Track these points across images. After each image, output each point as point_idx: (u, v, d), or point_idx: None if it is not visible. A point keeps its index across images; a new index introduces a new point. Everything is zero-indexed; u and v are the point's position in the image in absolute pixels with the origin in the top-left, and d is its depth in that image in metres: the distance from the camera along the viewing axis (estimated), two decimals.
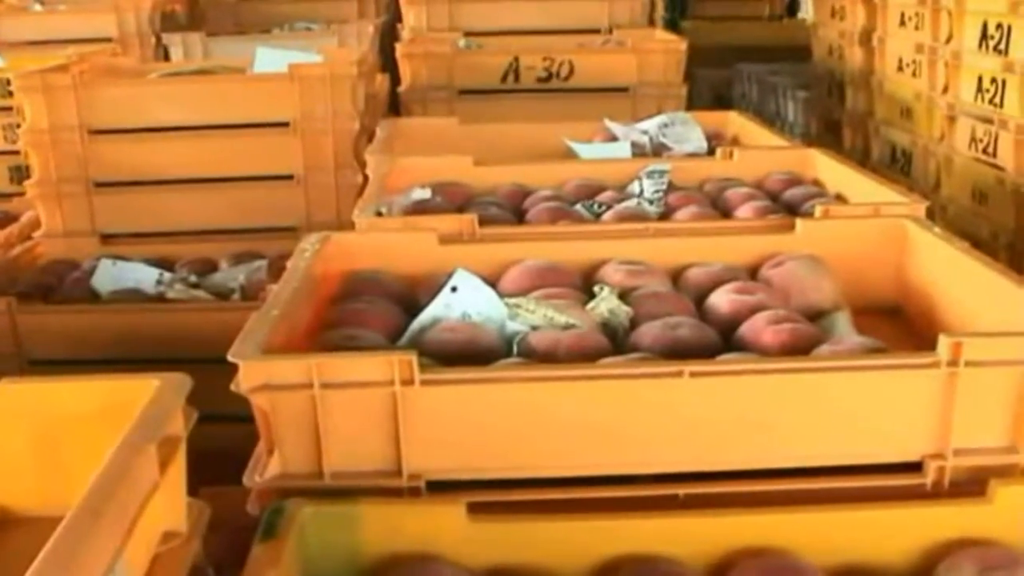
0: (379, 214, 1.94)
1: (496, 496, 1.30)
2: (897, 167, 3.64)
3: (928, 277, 1.77)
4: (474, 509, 1.26)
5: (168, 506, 1.20)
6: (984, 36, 3.00)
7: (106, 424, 1.19)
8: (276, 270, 2.08)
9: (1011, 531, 1.29)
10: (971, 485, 1.33)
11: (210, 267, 2.74)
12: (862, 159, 3.82)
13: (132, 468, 1.08)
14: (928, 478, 1.35)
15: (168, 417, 1.21)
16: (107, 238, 2.93)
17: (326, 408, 1.29)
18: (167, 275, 2.61)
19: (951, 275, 1.71)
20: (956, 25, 3.17)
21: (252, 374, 1.29)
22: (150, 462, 1.13)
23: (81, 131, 2.83)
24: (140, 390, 1.24)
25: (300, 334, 1.52)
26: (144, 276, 2.59)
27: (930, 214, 1.93)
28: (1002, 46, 2.91)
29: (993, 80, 2.95)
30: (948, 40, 3.24)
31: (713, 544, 1.27)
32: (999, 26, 2.92)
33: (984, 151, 3.03)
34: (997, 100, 2.94)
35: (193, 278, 2.62)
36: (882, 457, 1.36)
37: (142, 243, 2.90)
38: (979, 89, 3.04)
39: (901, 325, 1.81)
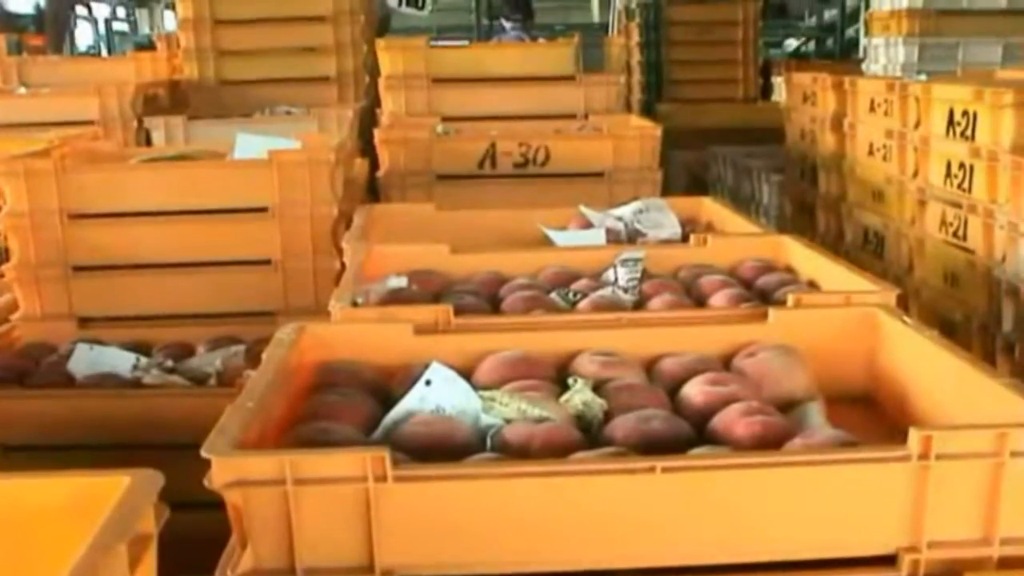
0: (355, 303, 1.95)
1: None
2: (870, 249, 3.68)
3: (899, 366, 1.79)
4: None
5: None
6: (951, 122, 3.05)
7: (77, 521, 1.18)
8: (254, 355, 2.09)
9: None
10: None
11: (187, 352, 2.74)
12: (836, 241, 3.87)
13: (102, 567, 1.08)
14: (903, 571, 1.35)
15: (139, 515, 1.20)
16: (85, 321, 2.93)
17: (299, 504, 1.29)
18: (143, 360, 2.61)
19: (921, 364, 1.72)
20: (924, 111, 3.23)
21: (225, 470, 1.29)
22: (120, 562, 1.12)
23: (61, 215, 2.85)
24: (111, 486, 1.23)
25: (274, 427, 1.52)
26: (120, 361, 2.59)
27: (903, 297, 1.95)
28: (968, 132, 2.96)
29: (961, 165, 3.00)
30: (917, 126, 3.30)
31: None
32: (965, 113, 2.98)
33: (954, 234, 3.07)
34: (965, 184, 2.99)
35: (170, 363, 2.61)
36: (856, 550, 1.36)
37: (120, 326, 2.90)
38: (948, 174, 3.09)
39: (873, 414, 1.82)
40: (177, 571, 1.40)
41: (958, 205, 3.03)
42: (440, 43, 4.33)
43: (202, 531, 1.40)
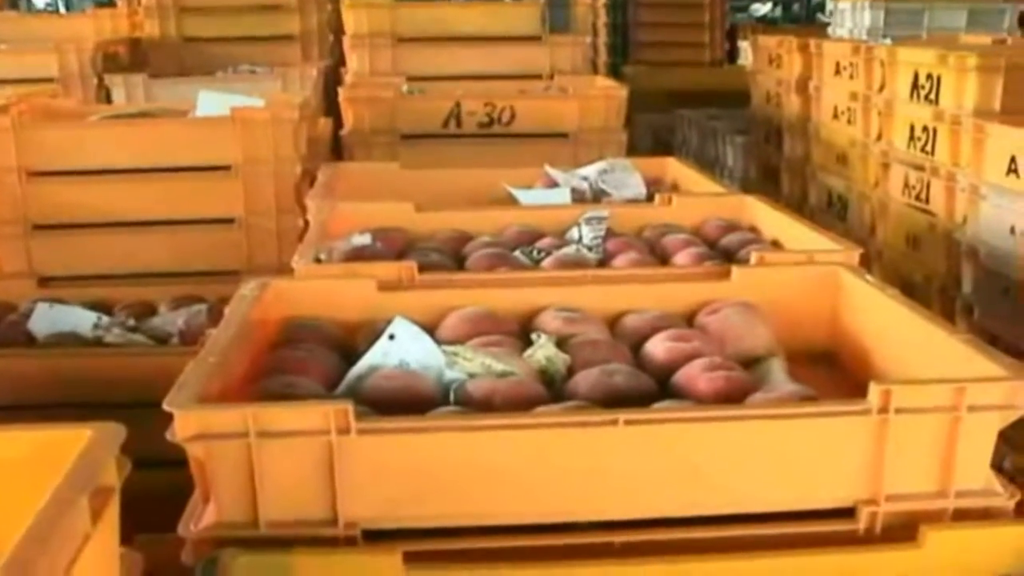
0: (319, 260, 1.94)
1: (432, 545, 1.30)
2: (833, 212, 3.70)
3: (860, 324, 1.80)
4: (410, 558, 1.26)
5: (100, 558, 1.18)
6: (915, 86, 3.07)
7: (38, 474, 1.17)
8: (216, 314, 2.07)
9: (941, 575, 1.31)
10: (902, 530, 1.36)
11: (149, 311, 2.71)
12: (799, 204, 3.89)
13: (63, 520, 1.07)
14: (860, 524, 1.37)
15: (101, 468, 1.19)
16: (45, 281, 2.90)
17: (262, 457, 1.29)
18: (105, 319, 2.57)
19: (882, 322, 1.74)
20: (889, 75, 3.25)
21: (187, 423, 1.28)
22: (82, 514, 1.11)
23: (20, 173, 2.81)
24: (73, 440, 1.22)
25: (237, 382, 1.51)
26: (81, 320, 2.55)
27: (866, 259, 1.96)
28: (932, 96, 2.98)
29: (924, 128, 3.02)
30: (881, 89, 3.31)
31: None
32: (929, 76, 2.99)
33: (916, 197, 3.09)
34: (928, 148, 3.00)
35: (131, 322, 2.58)
36: (815, 503, 1.38)
37: (81, 286, 2.87)
38: (911, 137, 3.10)
39: (834, 371, 1.83)
40: (142, 530, 1.40)
41: (921, 168, 3.05)
42: (406, 1, 4.28)
43: (167, 489, 1.39)
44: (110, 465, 1.22)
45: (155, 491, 1.40)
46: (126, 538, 1.27)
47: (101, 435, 1.24)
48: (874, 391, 1.34)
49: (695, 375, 1.52)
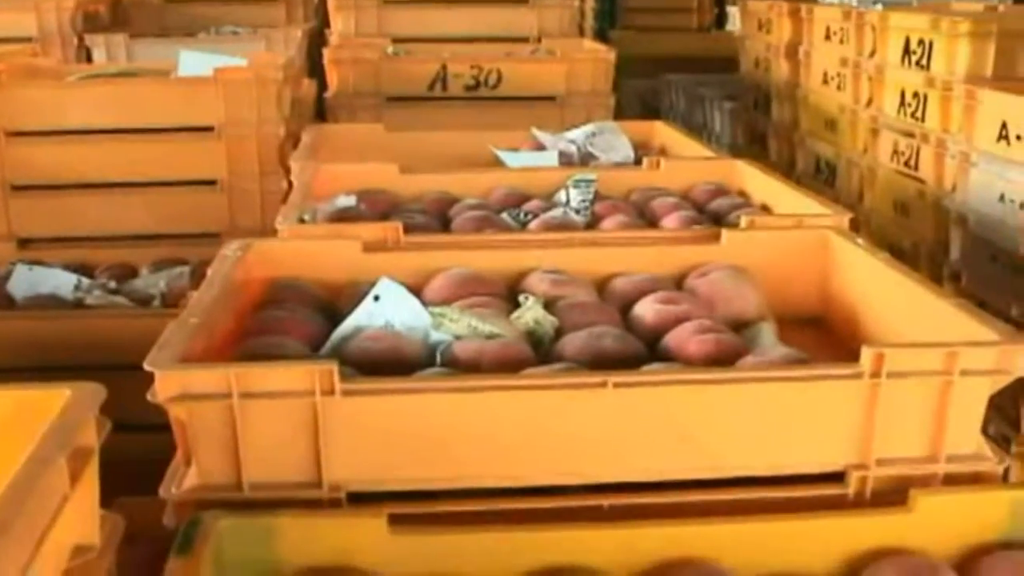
0: (302, 221, 1.92)
1: (418, 508, 1.29)
2: (821, 178, 3.68)
3: (850, 288, 1.79)
4: (395, 521, 1.24)
5: (79, 519, 1.16)
6: (906, 51, 3.04)
7: (16, 434, 1.15)
8: (198, 277, 2.05)
9: (931, 540, 1.31)
10: (892, 495, 1.35)
11: (130, 273, 2.69)
12: (787, 170, 3.86)
13: (41, 481, 1.05)
14: (850, 488, 1.36)
15: (80, 428, 1.17)
16: (24, 242, 2.86)
17: (245, 418, 1.27)
18: (85, 281, 2.55)
19: (873, 286, 1.72)
20: (880, 40, 3.22)
21: (169, 384, 1.26)
22: (60, 474, 1.09)
23: None
24: (51, 400, 1.20)
25: (219, 343, 1.49)
26: (62, 282, 2.53)
27: (854, 225, 1.95)
28: (923, 61, 2.95)
29: (915, 94, 3.00)
30: (872, 54, 3.29)
31: (637, 555, 1.26)
32: (920, 42, 2.97)
33: (906, 164, 3.07)
34: (918, 114, 2.98)
35: (112, 284, 2.56)
36: (805, 467, 1.37)
37: (61, 248, 2.83)
38: (901, 103, 3.08)
39: (824, 335, 1.82)
40: (124, 493, 1.38)
41: (911, 135, 3.03)
42: None
43: (150, 453, 1.38)
44: (89, 425, 1.20)
45: (138, 455, 1.39)
46: (110, 502, 1.25)
47: (80, 395, 1.22)
48: (866, 354, 1.32)
49: (685, 338, 1.51)
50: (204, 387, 1.26)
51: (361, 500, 1.30)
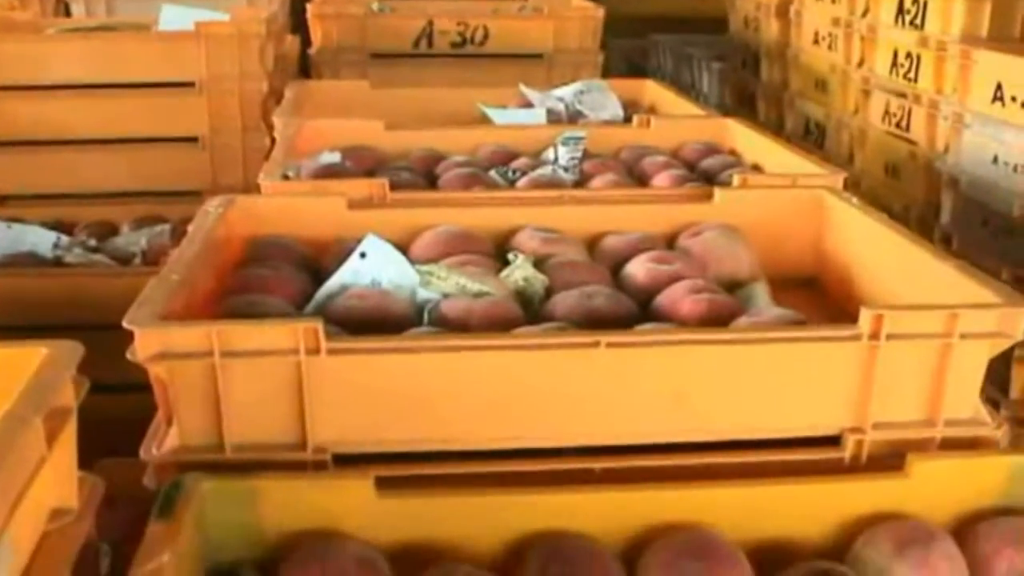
0: (286, 177, 1.88)
1: (405, 470, 1.26)
2: (811, 139, 3.64)
3: (846, 249, 1.76)
4: (382, 484, 1.21)
5: (57, 481, 1.13)
6: (900, 11, 3.00)
7: None
8: (179, 235, 2.00)
9: (928, 505, 1.29)
10: (889, 459, 1.32)
11: (111, 231, 2.65)
12: (776, 131, 3.80)
13: (16, 442, 1.01)
14: (846, 452, 1.34)
15: (57, 387, 1.13)
16: (2, 199, 2.82)
17: (227, 378, 1.23)
18: (65, 239, 2.50)
19: (869, 247, 1.70)
20: None
21: (148, 342, 1.22)
22: (36, 435, 1.06)
23: None
24: (27, 358, 1.16)
25: (201, 301, 1.45)
26: (41, 239, 2.48)
27: (845, 186, 1.92)
28: (917, 21, 2.91)
29: (908, 55, 2.96)
30: (864, 14, 3.24)
31: (629, 520, 1.24)
32: (915, 1, 2.92)
33: (897, 125, 3.04)
34: (911, 75, 2.94)
35: (92, 242, 2.52)
36: (800, 431, 1.34)
37: (40, 205, 2.79)
38: (894, 63, 3.04)
39: (817, 297, 1.79)
40: (107, 456, 1.35)
41: (903, 95, 2.99)
42: None
43: (131, 414, 1.34)
44: (66, 385, 1.16)
45: (120, 416, 1.35)
46: (90, 464, 1.22)
47: (57, 353, 1.18)
48: (865, 316, 1.29)
49: (678, 298, 1.47)
50: (185, 345, 1.22)
51: (347, 462, 1.27)
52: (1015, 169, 2.44)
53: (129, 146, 2.82)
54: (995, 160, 2.52)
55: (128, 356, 1.23)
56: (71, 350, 1.19)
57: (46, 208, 2.77)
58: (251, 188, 2.02)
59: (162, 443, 1.28)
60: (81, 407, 1.17)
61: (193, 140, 2.81)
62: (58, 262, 2.42)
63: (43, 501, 1.10)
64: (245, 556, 1.21)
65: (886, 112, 3.10)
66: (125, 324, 1.22)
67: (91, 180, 2.83)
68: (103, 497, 1.23)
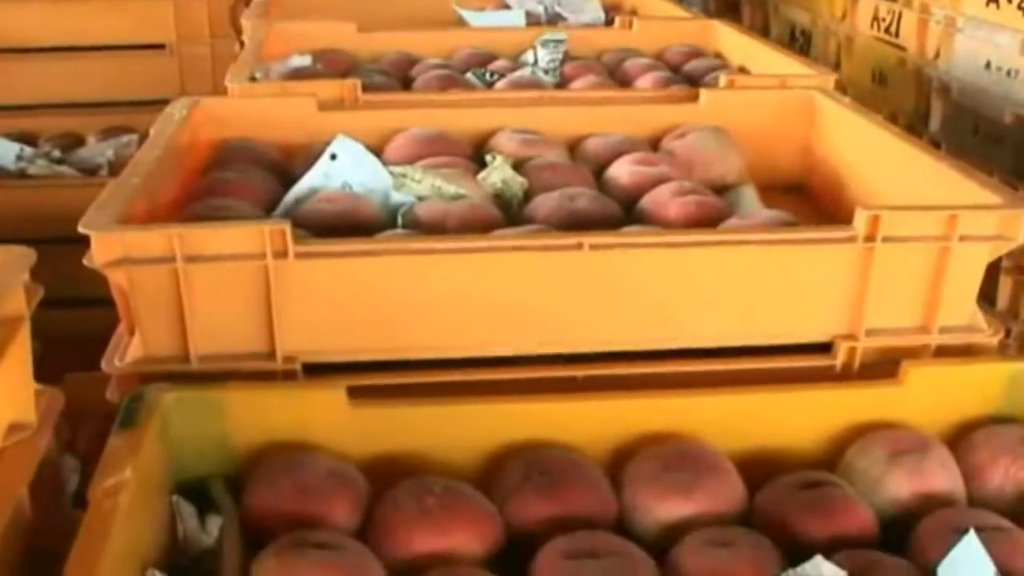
0: (254, 79, 1.80)
1: (379, 379, 1.20)
2: (796, 46, 3.56)
3: (837, 152, 1.70)
4: (355, 393, 1.15)
5: (11, 395, 1.07)
6: None
7: None
8: None
9: (922, 413, 1.23)
10: (882, 366, 1.27)
11: (76, 142, 2.60)
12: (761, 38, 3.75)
13: None
14: (838, 359, 1.29)
15: (6, 295, 1.07)
16: None
17: (191, 284, 1.17)
18: (28, 150, 2.45)
19: (863, 149, 1.63)
20: None
21: (106, 247, 1.15)
22: None
23: None
24: None
25: (164, 205, 1.38)
26: (4, 151, 2.42)
27: (838, 87, 1.85)
28: None
29: None
30: None
31: (613, 429, 1.18)
32: None
33: (886, 31, 2.96)
34: None
35: (57, 153, 2.47)
36: (791, 337, 1.29)
37: (2, 116, 2.71)
38: None
39: (807, 202, 1.73)
40: (70, 370, 1.30)
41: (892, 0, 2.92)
42: None
43: (101, 329, 1.28)
44: (17, 291, 1.09)
45: (89, 332, 1.29)
46: (57, 379, 1.17)
47: (6, 259, 1.11)
48: (861, 217, 1.23)
49: (664, 200, 1.41)
50: (145, 250, 1.15)
51: (318, 371, 1.21)
52: (1008, 74, 2.38)
53: (95, 54, 2.77)
54: (988, 66, 2.46)
55: (84, 262, 1.16)
56: (22, 256, 1.12)
57: (9, 119, 2.70)
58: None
59: (124, 354, 1.21)
60: (49, 324, 1.11)
61: (160, 47, 2.76)
62: (22, 174, 2.37)
63: None
64: (213, 470, 1.15)
65: (875, 17, 3.02)
66: (81, 228, 1.15)
67: (56, 90, 2.78)
68: (70, 414, 1.17)
